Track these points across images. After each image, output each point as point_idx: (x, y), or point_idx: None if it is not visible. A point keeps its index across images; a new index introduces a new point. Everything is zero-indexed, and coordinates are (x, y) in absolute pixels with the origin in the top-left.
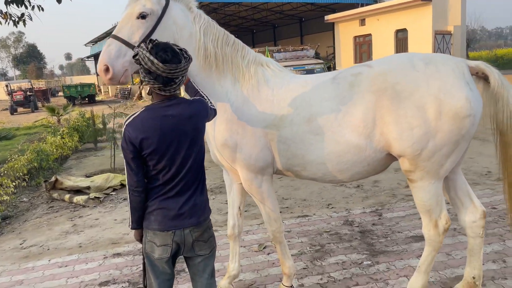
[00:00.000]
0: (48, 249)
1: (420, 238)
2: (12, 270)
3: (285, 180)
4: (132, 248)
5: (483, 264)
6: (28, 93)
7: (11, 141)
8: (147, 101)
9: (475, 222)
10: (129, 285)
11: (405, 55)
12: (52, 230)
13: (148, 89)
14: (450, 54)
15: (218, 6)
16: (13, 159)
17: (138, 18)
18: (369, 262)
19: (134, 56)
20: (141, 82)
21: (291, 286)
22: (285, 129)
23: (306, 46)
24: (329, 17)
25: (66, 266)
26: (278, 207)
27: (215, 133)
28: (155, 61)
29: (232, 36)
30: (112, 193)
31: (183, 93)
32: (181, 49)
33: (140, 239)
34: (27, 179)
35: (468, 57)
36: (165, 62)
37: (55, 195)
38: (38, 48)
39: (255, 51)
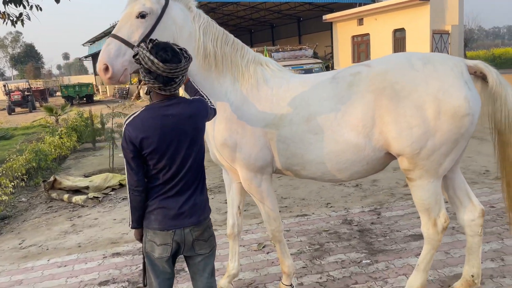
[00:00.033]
0: (47, 249)
1: (419, 236)
2: (11, 270)
3: (284, 179)
4: (132, 248)
5: (481, 263)
6: (26, 93)
7: (9, 141)
8: (145, 100)
9: (473, 220)
10: (129, 285)
11: (403, 55)
12: (51, 230)
13: (146, 89)
14: (448, 54)
15: (216, 6)
16: (11, 159)
17: (137, 17)
18: (368, 261)
19: (134, 56)
20: (139, 82)
21: (290, 285)
22: (285, 129)
23: (304, 45)
24: (327, 17)
25: (65, 266)
26: (278, 206)
27: (214, 133)
28: (155, 60)
29: (232, 36)
30: (111, 193)
31: (181, 93)
32: (181, 49)
33: (140, 238)
34: (25, 179)
35: (465, 57)
36: (165, 62)
37: (54, 195)
38: (36, 48)
39: (254, 51)
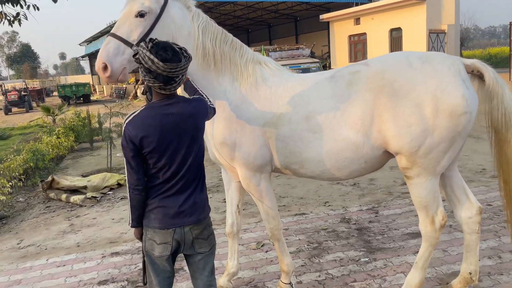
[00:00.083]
0: (46, 249)
1: (417, 235)
2: (10, 270)
3: (282, 178)
4: (130, 247)
5: (479, 260)
6: (22, 93)
7: (6, 141)
8: (142, 100)
9: (471, 218)
10: (128, 284)
11: (402, 54)
12: (49, 229)
13: (143, 88)
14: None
15: (213, 5)
16: (9, 159)
17: (136, 16)
18: (366, 259)
19: (134, 55)
20: (136, 81)
21: (289, 283)
22: (284, 127)
23: (301, 45)
24: (324, 16)
25: (64, 265)
26: (276, 205)
27: (213, 132)
28: (155, 60)
29: (230, 35)
30: (109, 192)
31: (179, 92)
32: (180, 48)
33: (140, 237)
34: (23, 179)
35: (462, 56)
36: (165, 61)
37: (51, 194)
38: (32, 48)
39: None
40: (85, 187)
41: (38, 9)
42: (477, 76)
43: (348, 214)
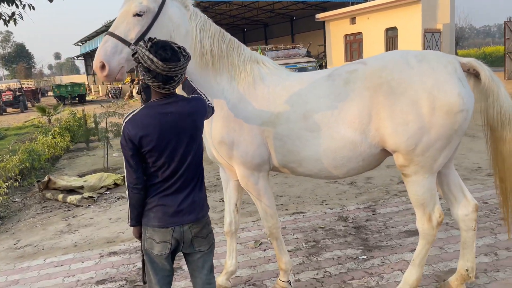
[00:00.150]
0: (43, 249)
1: (414, 232)
2: (7, 270)
3: (279, 177)
4: (128, 247)
5: (475, 257)
6: (17, 93)
7: (1, 141)
8: (138, 100)
9: (467, 215)
10: (127, 283)
11: (399, 52)
12: (46, 230)
13: (138, 88)
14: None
15: (209, 5)
16: (4, 160)
17: (134, 15)
18: (364, 257)
19: (133, 54)
20: (132, 81)
21: (288, 281)
22: (281, 126)
23: (298, 44)
24: (320, 16)
25: (62, 265)
26: (275, 203)
27: (211, 131)
28: (155, 59)
29: (228, 34)
30: (106, 192)
31: (178, 91)
32: (179, 47)
33: (139, 236)
34: (19, 180)
35: (457, 55)
36: (164, 61)
37: (48, 195)
38: (27, 48)
39: None
40: (81, 187)
41: (33, 8)
42: (473, 74)
43: (345, 213)
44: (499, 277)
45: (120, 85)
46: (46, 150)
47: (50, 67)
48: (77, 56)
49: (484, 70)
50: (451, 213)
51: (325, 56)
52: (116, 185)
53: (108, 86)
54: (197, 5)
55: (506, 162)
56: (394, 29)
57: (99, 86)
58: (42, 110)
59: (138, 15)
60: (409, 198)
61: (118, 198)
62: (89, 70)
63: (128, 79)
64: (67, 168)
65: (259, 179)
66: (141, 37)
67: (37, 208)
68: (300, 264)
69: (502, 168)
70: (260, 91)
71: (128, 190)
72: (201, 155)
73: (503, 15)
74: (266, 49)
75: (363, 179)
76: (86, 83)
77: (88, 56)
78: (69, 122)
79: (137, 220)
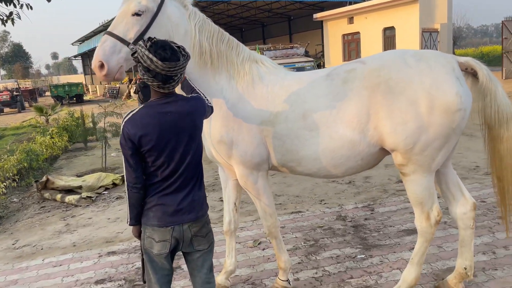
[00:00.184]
0: (42, 249)
1: (412, 231)
2: (5, 270)
3: (277, 177)
4: (127, 246)
5: (473, 256)
6: (14, 93)
7: None
8: (135, 100)
9: (465, 213)
10: (126, 283)
11: (397, 52)
12: (45, 230)
13: (135, 88)
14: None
15: (206, 5)
16: (2, 160)
17: (133, 15)
18: (362, 256)
19: (133, 54)
20: (130, 81)
21: (287, 280)
22: (280, 126)
23: (296, 44)
24: (318, 15)
25: (60, 265)
26: (274, 203)
27: (210, 130)
28: (154, 59)
29: (227, 34)
30: (104, 192)
31: (177, 91)
32: (178, 47)
33: (138, 235)
34: (17, 180)
35: (454, 55)
36: (164, 60)
37: (46, 195)
38: (24, 48)
39: None
40: (80, 187)
41: (31, 8)
42: (471, 74)
43: (344, 212)
44: (497, 276)
45: (117, 85)
46: (44, 150)
47: (47, 67)
48: (75, 56)
49: (482, 69)
50: (449, 212)
51: (323, 55)
52: (114, 185)
53: (106, 86)
54: (195, 4)
55: (503, 161)
56: (391, 28)
57: (97, 86)
58: (40, 110)
59: (137, 14)
60: (407, 197)
61: (117, 198)
62: (86, 70)
63: (126, 79)
64: (65, 168)
65: (258, 178)
66: (140, 37)
67: (35, 208)
68: (299, 263)
69: (500, 167)
70: (259, 90)
71: (127, 189)
72: (200, 155)
73: (501, 15)
74: (264, 49)
75: (362, 179)
76: (84, 83)
77: (86, 56)
78: (67, 122)
79: (137, 219)
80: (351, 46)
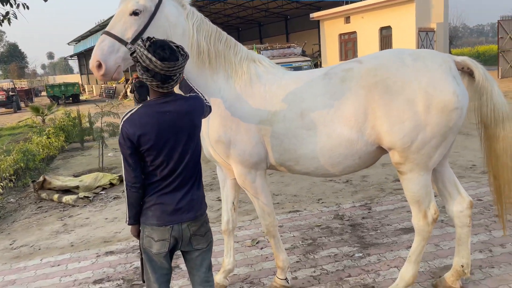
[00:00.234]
0: (39, 249)
1: (409, 230)
2: (3, 270)
3: (275, 176)
4: (125, 246)
5: (470, 254)
6: (10, 93)
7: None
8: (132, 99)
9: (462, 212)
10: (124, 282)
11: (394, 51)
12: (42, 230)
13: (130, 87)
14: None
15: (203, 4)
16: None
17: (131, 14)
18: (360, 254)
19: (131, 54)
20: (126, 81)
21: (285, 279)
22: (278, 125)
23: (293, 43)
24: (314, 15)
25: (58, 265)
26: (272, 201)
27: (208, 129)
28: (153, 59)
29: (225, 33)
30: (102, 192)
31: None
32: (177, 46)
33: (137, 235)
34: (13, 180)
35: (451, 54)
36: (163, 60)
37: (43, 195)
38: (20, 48)
39: None
40: (77, 187)
41: (28, 8)
42: (467, 73)
43: (341, 211)
44: (493, 273)
45: (114, 85)
46: (41, 150)
47: (43, 66)
48: (71, 56)
49: (478, 68)
50: (446, 210)
51: (320, 55)
52: (111, 185)
53: (102, 85)
54: (192, 4)
55: (499, 159)
56: (388, 28)
57: (93, 85)
58: (36, 110)
59: (134, 14)
60: (404, 195)
61: (114, 198)
62: (83, 70)
63: (122, 79)
64: (62, 168)
65: (256, 177)
66: (137, 36)
67: (33, 209)
68: (297, 262)
69: (496, 165)
70: (256, 89)
71: (126, 188)
72: (199, 154)
73: (496, 14)
74: (262, 48)
75: (359, 178)
76: (80, 82)
77: (82, 56)
78: (63, 122)
79: (135, 218)
80: (348, 46)
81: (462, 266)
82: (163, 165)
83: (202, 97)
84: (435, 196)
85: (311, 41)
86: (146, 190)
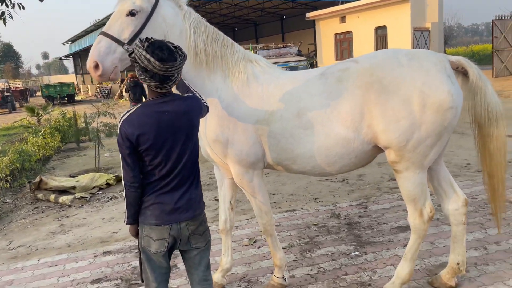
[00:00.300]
0: (37, 249)
1: (405, 228)
2: (1, 271)
3: (272, 175)
4: (123, 246)
5: (466, 252)
6: (5, 93)
7: None
8: (128, 99)
9: (457, 210)
10: (122, 282)
11: (390, 51)
12: (39, 230)
13: (125, 86)
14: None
15: (199, 4)
16: None
17: (127, 15)
18: (357, 253)
19: (130, 54)
20: (122, 81)
21: (282, 277)
22: (275, 124)
23: (289, 43)
24: (310, 15)
25: (56, 265)
26: (269, 200)
27: (206, 129)
28: (152, 59)
29: (222, 33)
30: (98, 192)
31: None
32: (175, 47)
33: (135, 234)
34: (9, 181)
35: (445, 53)
36: (161, 61)
37: (40, 195)
38: (14, 48)
39: None
40: (73, 188)
41: (23, 8)
42: (462, 72)
43: (338, 210)
44: (488, 271)
45: (109, 85)
46: (37, 150)
47: (38, 67)
48: (66, 56)
49: (472, 68)
50: (441, 208)
51: (315, 55)
52: (108, 185)
53: (98, 85)
54: (188, 4)
55: (493, 158)
56: (383, 27)
57: (88, 85)
58: (31, 111)
59: (131, 14)
60: (400, 194)
61: (111, 198)
62: (78, 70)
63: (118, 79)
64: (58, 169)
65: (253, 176)
66: (134, 37)
67: (29, 209)
68: (294, 260)
69: (490, 164)
70: (254, 89)
71: (125, 188)
72: (197, 154)
73: (491, 14)
74: (258, 48)
75: (355, 177)
76: (75, 83)
77: (77, 56)
78: (59, 122)
79: (134, 218)
80: (344, 45)
81: (458, 263)
82: (162, 165)
83: (200, 97)
84: (430, 194)
85: (306, 40)
86: (145, 190)
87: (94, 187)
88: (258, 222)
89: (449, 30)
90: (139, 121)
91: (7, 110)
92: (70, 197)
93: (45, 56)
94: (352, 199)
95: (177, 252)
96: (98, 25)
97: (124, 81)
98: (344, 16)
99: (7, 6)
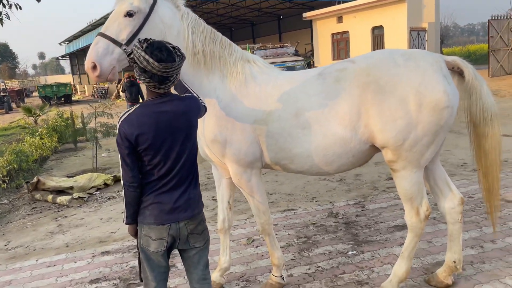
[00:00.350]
0: (35, 250)
1: (402, 227)
2: None
3: (269, 175)
4: (121, 246)
5: (462, 250)
6: (1, 93)
7: None
8: (125, 100)
9: (453, 208)
10: (121, 282)
11: (386, 51)
12: (37, 230)
13: (121, 86)
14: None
15: (196, 4)
16: None
17: (125, 16)
18: (354, 252)
19: (129, 55)
20: (119, 81)
21: (280, 276)
22: (273, 124)
23: (286, 43)
24: (307, 15)
25: (54, 265)
26: (267, 200)
27: (204, 129)
28: (151, 60)
29: (219, 34)
30: (96, 192)
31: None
32: (174, 47)
33: (134, 234)
34: (6, 181)
35: (442, 53)
36: (160, 61)
37: (37, 196)
38: (10, 48)
39: None
40: (71, 188)
41: (20, 8)
42: (457, 72)
43: (335, 209)
44: (485, 269)
45: (106, 85)
46: (34, 151)
47: (34, 67)
48: (62, 56)
49: (468, 68)
50: (438, 207)
51: (312, 54)
52: (106, 185)
53: (94, 86)
54: (186, 5)
55: (488, 157)
56: (380, 27)
57: (85, 86)
58: (28, 111)
59: (129, 15)
60: (397, 193)
61: (109, 198)
62: (74, 70)
63: None
64: (56, 169)
65: (251, 176)
66: (132, 38)
67: (27, 209)
68: (292, 259)
69: (485, 163)
70: (251, 89)
71: (124, 188)
72: (195, 153)
73: (487, 14)
74: (255, 48)
75: (352, 176)
76: (72, 83)
77: (74, 56)
78: (56, 122)
79: (133, 218)
80: (340, 45)
81: (454, 261)
82: (161, 165)
83: (198, 97)
84: (427, 193)
85: (303, 40)
86: (144, 190)
87: (91, 187)
88: (256, 222)
89: (445, 30)
90: (138, 121)
91: (3, 110)
92: (68, 197)
93: (41, 56)
94: (349, 198)
95: (175, 251)
96: (95, 25)
97: (121, 82)
98: (341, 16)
99: (4, 6)
